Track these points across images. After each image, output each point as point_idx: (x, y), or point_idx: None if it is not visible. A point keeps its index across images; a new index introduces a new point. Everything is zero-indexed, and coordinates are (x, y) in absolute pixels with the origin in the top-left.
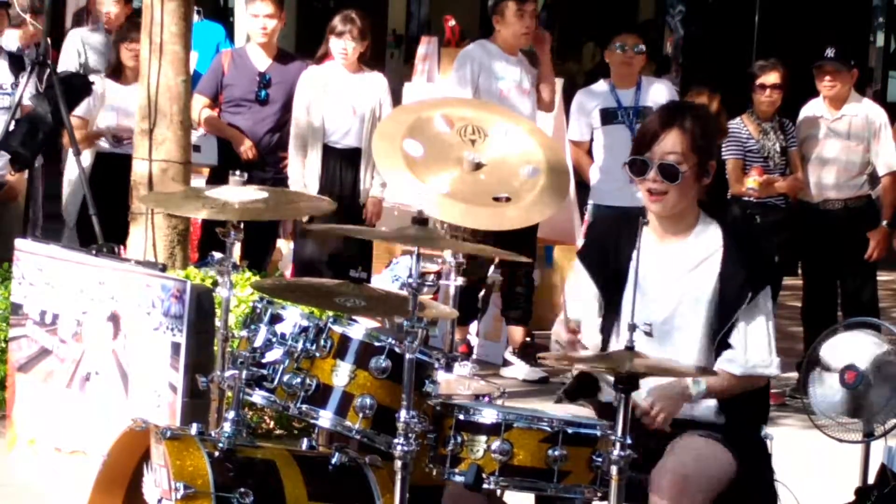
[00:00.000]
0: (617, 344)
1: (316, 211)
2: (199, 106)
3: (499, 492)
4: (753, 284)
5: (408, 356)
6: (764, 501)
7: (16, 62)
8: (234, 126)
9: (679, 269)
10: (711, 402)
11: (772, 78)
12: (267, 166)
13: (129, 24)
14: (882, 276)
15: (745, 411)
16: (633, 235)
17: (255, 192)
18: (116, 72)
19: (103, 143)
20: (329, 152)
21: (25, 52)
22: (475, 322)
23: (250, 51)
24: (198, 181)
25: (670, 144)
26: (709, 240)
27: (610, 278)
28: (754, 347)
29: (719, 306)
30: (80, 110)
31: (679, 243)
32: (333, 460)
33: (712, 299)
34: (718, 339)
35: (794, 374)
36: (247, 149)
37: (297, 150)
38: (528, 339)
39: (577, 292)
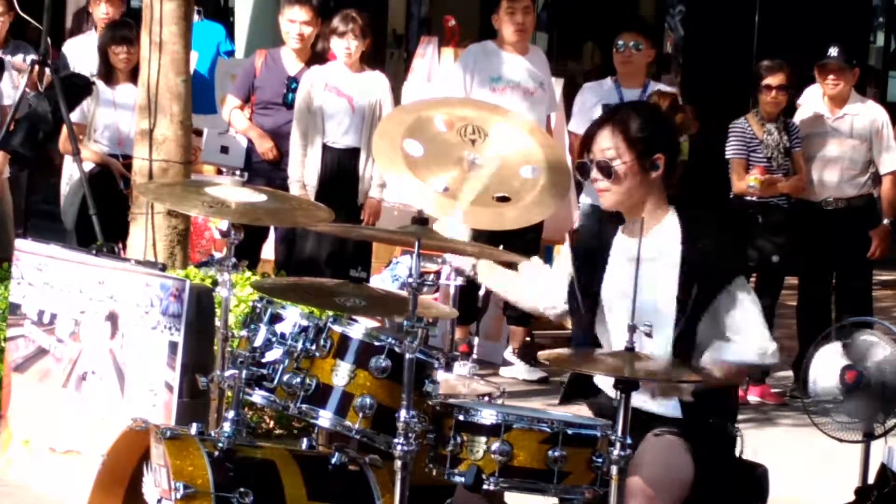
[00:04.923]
0: (607, 339)
1: (314, 220)
2: (231, 107)
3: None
4: (718, 277)
5: (408, 356)
6: (726, 497)
7: None
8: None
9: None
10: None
11: (777, 79)
12: (284, 167)
13: (115, 27)
14: (883, 276)
15: (710, 408)
16: (613, 232)
17: (254, 195)
18: (107, 75)
19: (104, 146)
20: (328, 151)
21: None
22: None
23: (284, 54)
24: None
25: (604, 142)
26: (668, 236)
27: (588, 271)
28: (751, 335)
29: (681, 303)
30: (75, 116)
31: (637, 241)
32: (333, 460)
33: (675, 295)
34: (678, 334)
35: (793, 374)
36: (267, 150)
37: (297, 149)
38: (528, 339)
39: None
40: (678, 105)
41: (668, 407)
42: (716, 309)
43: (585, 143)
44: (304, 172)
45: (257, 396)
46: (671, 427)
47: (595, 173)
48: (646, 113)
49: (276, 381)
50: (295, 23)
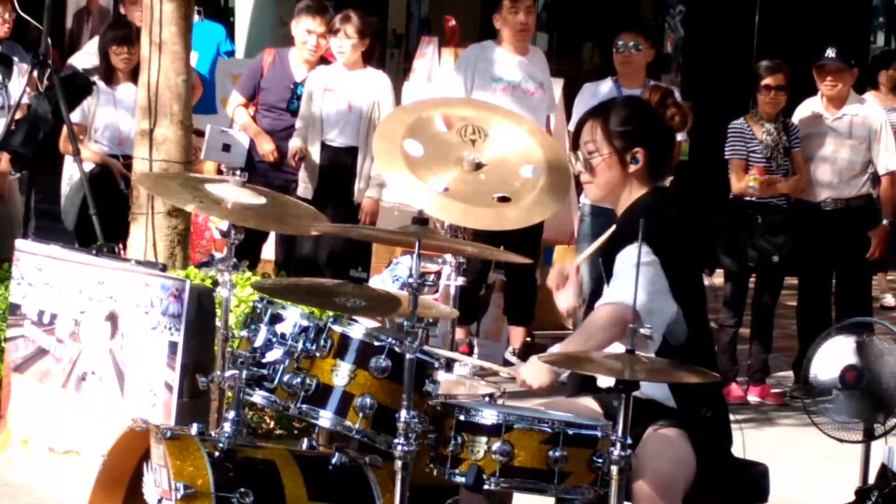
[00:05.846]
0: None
1: (305, 229)
2: (235, 104)
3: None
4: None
5: (408, 356)
6: (721, 483)
7: (3, 62)
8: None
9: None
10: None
11: (776, 79)
12: (284, 168)
13: (115, 27)
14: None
15: (696, 396)
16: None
17: (253, 196)
18: (107, 75)
19: (104, 146)
20: (326, 150)
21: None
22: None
23: (292, 57)
24: None
25: (585, 135)
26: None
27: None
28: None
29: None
30: (75, 116)
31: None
32: (333, 460)
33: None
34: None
35: (793, 374)
36: (269, 152)
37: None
38: (528, 339)
39: None
40: (671, 101)
41: (658, 388)
42: None
43: (574, 136)
44: (303, 172)
45: (258, 397)
46: (667, 419)
47: (579, 166)
48: (630, 107)
49: (276, 382)
50: (312, 34)
